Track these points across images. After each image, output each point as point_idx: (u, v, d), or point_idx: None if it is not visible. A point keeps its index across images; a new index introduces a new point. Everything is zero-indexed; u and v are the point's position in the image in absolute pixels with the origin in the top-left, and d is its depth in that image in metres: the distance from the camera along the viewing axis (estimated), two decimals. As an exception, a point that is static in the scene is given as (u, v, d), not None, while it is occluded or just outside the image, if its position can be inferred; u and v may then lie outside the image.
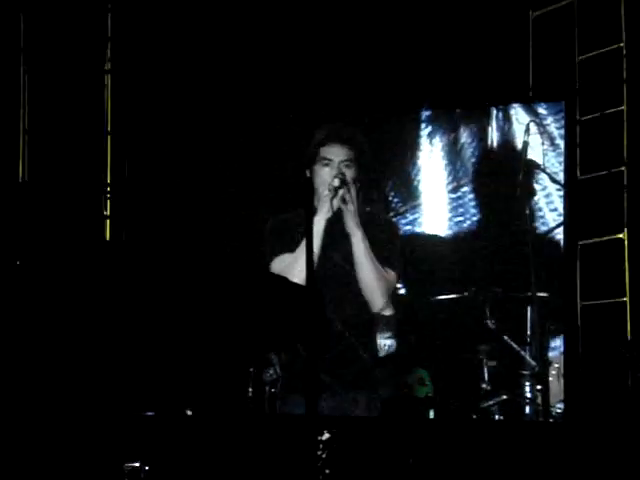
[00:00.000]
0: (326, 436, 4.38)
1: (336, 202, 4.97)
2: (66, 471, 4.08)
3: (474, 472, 4.89)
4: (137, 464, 4.09)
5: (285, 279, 4.68)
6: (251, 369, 5.07)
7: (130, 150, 5.17)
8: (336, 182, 4.93)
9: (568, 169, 5.07)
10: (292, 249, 4.91)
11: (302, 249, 4.73)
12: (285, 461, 4.49)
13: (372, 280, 4.95)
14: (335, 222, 5.04)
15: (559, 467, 4.78)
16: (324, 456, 4.37)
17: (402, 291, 5.45)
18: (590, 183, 4.97)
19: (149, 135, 5.31)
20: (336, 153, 5.01)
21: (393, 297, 5.34)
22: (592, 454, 4.70)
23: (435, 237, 5.51)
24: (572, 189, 4.97)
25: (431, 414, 5.25)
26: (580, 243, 5.14)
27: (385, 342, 5.27)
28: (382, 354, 5.24)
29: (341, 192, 4.92)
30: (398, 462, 4.75)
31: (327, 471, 4.36)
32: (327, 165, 5.00)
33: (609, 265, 4.91)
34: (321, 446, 4.38)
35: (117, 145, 4.87)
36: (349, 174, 4.97)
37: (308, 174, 5.06)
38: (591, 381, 4.84)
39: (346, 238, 4.98)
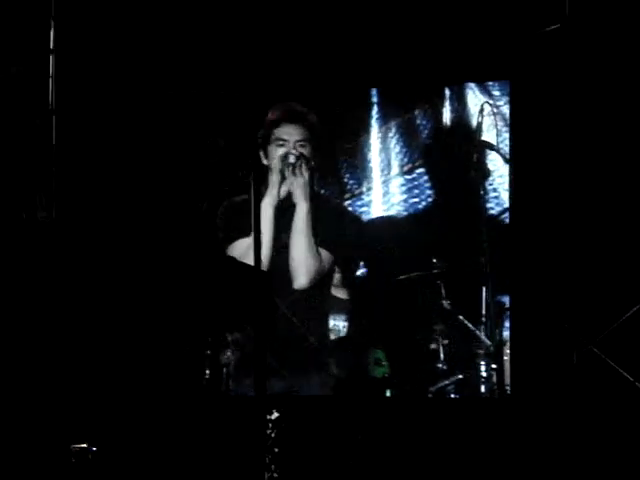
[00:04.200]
0: (275, 415, 4.40)
1: (288, 179, 4.98)
2: (12, 452, 4.09)
3: (429, 449, 4.93)
4: (84, 445, 4.10)
5: (233, 259, 4.71)
6: (208, 351, 5.09)
7: (75, 129, 5.16)
8: (292, 158, 4.94)
9: (513, 149, 5.10)
10: (248, 233, 4.92)
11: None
12: (235, 440, 4.52)
13: (301, 255, 4.94)
14: (286, 201, 5.06)
15: (512, 443, 4.83)
16: (273, 435, 4.40)
17: (358, 272, 5.48)
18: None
19: (94, 115, 5.29)
20: (291, 133, 5.02)
21: (349, 278, 5.38)
22: (540, 429, 4.75)
23: (390, 218, 5.53)
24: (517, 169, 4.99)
25: (387, 393, 5.29)
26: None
27: (337, 324, 5.29)
28: (334, 337, 5.26)
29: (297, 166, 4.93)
30: (347, 439, 4.79)
31: (276, 450, 4.39)
32: (282, 145, 5.01)
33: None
34: (270, 425, 4.40)
35: (62, 125, 4.86)
36: (304, 153, 4.99)
37: (262, 155, 5.07)
38: (538, 357, 4.87)
39: (293, 209, 4.97)
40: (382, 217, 5.53)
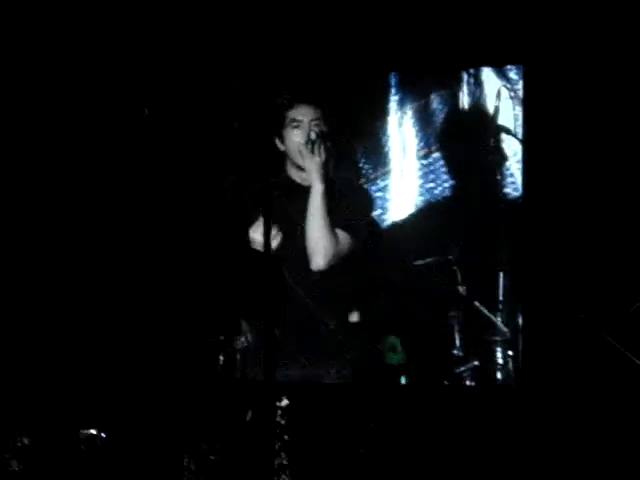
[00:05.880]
0: (285, 402, 4.39)
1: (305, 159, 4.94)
2: (23, 437, 4.11)
3: (444, 437, 4.92)
4: (94, 431, 4.12)
5: (247, 245, 4.71)
6: (221, 337, 5.09)
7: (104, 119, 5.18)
8: (313, 135, 4.92)
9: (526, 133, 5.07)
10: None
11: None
12: (244, 427, 4.52)
13: (318, 236, 4.89)
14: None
15: (525, 431, 4.81)
16: (283, 422, 4.39)
17: (373, 257, 5.45)
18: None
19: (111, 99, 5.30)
20: (305, 113, 5.00)
21: (365, 264, 5.35)
22: (552, 417, 4.73)
23: (406, 203, 5.50)
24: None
25: (403, 380, 5.27)
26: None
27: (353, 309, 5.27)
28: (353, 319, 5.23)
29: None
30: (359, 428, 4.77)
31: (286, 437, 4.38)
32: (297, 127, 4.99)
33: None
34: (280, 412, 4.39)
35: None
36: (323, 131, 4.98)
37: (278, 141, 5.04)
38: (550, 345, 4.85)
39: (307, 190, 4.94)
40: (398, 202, 5.50)
